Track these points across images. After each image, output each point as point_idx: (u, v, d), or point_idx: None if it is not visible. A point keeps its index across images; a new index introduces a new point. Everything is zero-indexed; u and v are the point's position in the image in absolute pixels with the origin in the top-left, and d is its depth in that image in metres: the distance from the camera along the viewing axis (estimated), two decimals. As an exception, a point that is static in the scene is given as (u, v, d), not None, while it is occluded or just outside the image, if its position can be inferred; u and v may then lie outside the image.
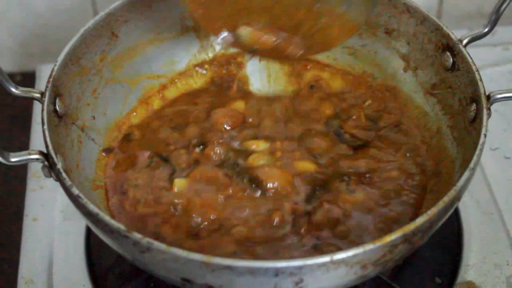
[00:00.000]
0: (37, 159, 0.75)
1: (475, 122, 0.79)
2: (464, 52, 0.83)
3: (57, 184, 0.75)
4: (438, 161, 0.86)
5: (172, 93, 0.97)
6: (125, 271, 0.87)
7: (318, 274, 0.66)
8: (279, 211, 0.81)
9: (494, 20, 0.84)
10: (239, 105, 0.95)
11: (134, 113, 0.93)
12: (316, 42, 0.91)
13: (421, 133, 0.90)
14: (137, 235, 0.67)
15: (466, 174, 0.72)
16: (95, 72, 0.89)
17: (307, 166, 0.86)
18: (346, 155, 0.88)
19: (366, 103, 0.94)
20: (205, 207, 0.81)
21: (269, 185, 0.83)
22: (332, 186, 0.84)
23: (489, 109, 0.78)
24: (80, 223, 0.90)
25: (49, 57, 0.90)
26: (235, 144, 0.89)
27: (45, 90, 0.79)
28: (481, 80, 0.80)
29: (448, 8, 1.22)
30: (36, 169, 0.96)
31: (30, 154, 0.75)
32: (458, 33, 0.86)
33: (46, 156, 0.75)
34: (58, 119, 0.81)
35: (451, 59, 0.85)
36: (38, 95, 0.79)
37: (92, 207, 0.70)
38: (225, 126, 0.91)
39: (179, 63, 0.98)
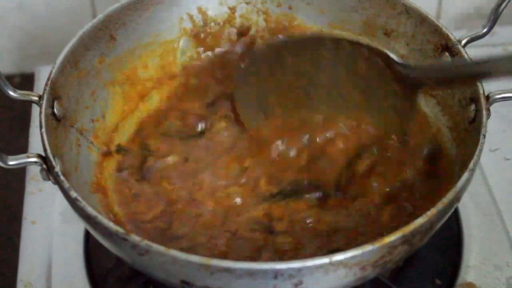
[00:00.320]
0: (35, 162, 0.75)
1: (475, 122, 0.79)
2: (463, 52, 0.83)
3: (56, 187, 0.75)
4: (438, 162, 0.86)
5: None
6: (124, 274, 0.87)
7: (317, 275, 0.65)
8: None
9: (493, 20, 0.84)
10: None
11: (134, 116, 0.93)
12: None
13: (420, 133, 0.90)
14: (135, 238, 0.66)
15: (466, 174, 0.72)
16: (93, 75, 0.89)
17: None
18: None
19: None
20: None
21: None
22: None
23: (488, 109, 0.78)
24: (79, 226, 0.90)
25: (48, 59, 0.90)
26: None
27: (43, 93, 0.79)
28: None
29: (447, 8, 1.22)
30: (34, 172, 0.96)
31: (28, 157, 0.75)
32: (457, 34, 0.86)
33: (44, 159, 0.75)
34: (57, 122, 0.81)
35: (450, 59, 0.85)
36: (36, 98, 0.79)
37: (90, 210, 0.70)
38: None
39: (178, 66, 0.98)
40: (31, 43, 1.21)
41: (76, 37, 0.85)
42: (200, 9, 0.97)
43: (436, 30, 0.87)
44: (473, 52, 0.84)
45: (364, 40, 0.90)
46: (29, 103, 0.81)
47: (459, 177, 0.72)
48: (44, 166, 0.75)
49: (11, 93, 0.78)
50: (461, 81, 0.80)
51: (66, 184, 0.72)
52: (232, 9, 0.98)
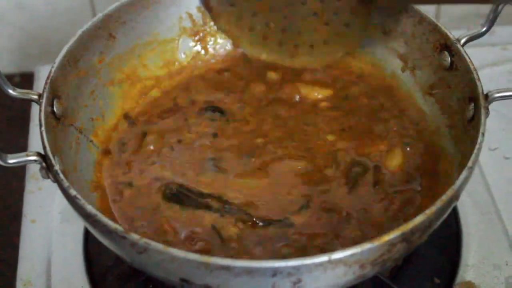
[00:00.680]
0: (35, 160, 0.75)
1: (474, 121, 0.79)
2: (462, 51, 0.83)
3: (56, 185, 0.75)
4: (437, 160, 0.86)
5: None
6: (124, 272, 0.87)
7: (316, 274, 0.65)
8: None
9: (492, 19, 0.84)
10: None
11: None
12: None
13: (419, 133, 0.90)
14: (134, 236, 0.67)
15: (465, 173, 0.72)
16: (93, 74, 0.89)
17: None
18: None
19: None
20: None
21: None
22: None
23: (487, 108, 0.78)
24: (78, 225, 0.90)
25: (48, 58, 0.90)
26: None
27: (43, 91, 0.79)
28: (479, 79, 0.80)
29: (446, 7, 1.22)
30: (34, 171, 0.96)
31: (28, 155, 0.75)
32: (456, 33, 0.86)
33: (43, 157, 0.75)
34: (56, 121, 0.81)
35: (449, 59, 0.85)
36: (36, 97, 0.79)
37: (90, 208, 0.70)
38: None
39: (177, 65, 0.98)
40: (31, 42, 1.21)
41: (75, 37, 0.86)
42: (199, 8, 0.97)
43: (435, 29, 0.88)
44: (472, 51, 0.84)
45: None
46: (29, 102, 0.82)
47: (458, 175, 0.72)
48: (44, 164, 0.75)
49: (11, 92, 0.78)
50: None
51: (66, 183, 0.72)
52: (232, 8, 0.98)
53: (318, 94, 0.95)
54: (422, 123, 0.90)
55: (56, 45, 0.88)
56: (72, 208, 0.73)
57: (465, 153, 0.77)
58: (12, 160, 0.74)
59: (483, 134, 0.75)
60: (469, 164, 0.72)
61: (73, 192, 0.71)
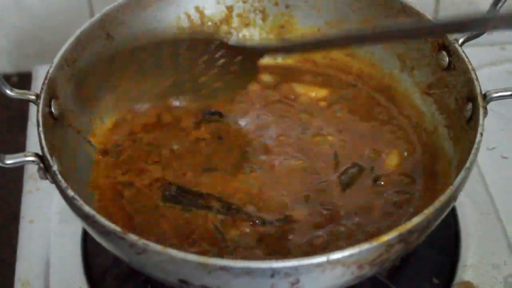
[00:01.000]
0: (32, 161, 0.75)
1: (472, 121, 0.79)
2: (460, 51, 0.83)
3: (54, 186, 0.75)
4: (435, 160, 0.86)
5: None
6: (122, 273, 0.87)
7: (314, 274, 0.65)
8: None
9: (491, 19, 0.84)
10: None
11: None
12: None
13: (417, 133, 0.90)
14: (133, 237, 0.66)
15: (463, 173, 0.72)
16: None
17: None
18: None
19: None
20: None
21: None
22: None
23: (485, 108, 0.78)
24: (76, 225, 0.90)
25: (46, 58, 0.90)
26: None
27: (41, 92, 0.79)
28: (477, 79, 0.80)
29: (444, 7, 1.22)
30: (32, 171, 0.96)
31: (25, 156, 0.75)
32: (454, 33, 0.86)
33: (41, 158, 0.74)
34: (54, 121, 0.80)
35: (447, 59, 0.85)
36: (33, 97, 0.79)
37: (87, 209, 0.69)
38: None
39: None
40: (29, 42, 1.21)
41: (73, 36, 0.85)
42: (197, 8, 0.97)
43: (433, 29, 0.87)
44: (470, 51, 0.84)
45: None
46: (27, 102, 0.81)
47: (456, 175, 0.72)
48: (42, 165, 0.74)
49: (9, 92, 0.78)
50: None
51: (64, 183, 0.72)
52: (229, 8, 0.98)
53: (316, 94, 0.95)
54: (420, 123, 0.91)
55: (54, 45, 0.87)
56: (70, 209, 0.73)
57: (463, 153, 0.77)
58: (10, 160, 0.74)
59: (481, 134, 0.75)
60: (467, 164, 0.72)
61: (71, 192, 0.71)
